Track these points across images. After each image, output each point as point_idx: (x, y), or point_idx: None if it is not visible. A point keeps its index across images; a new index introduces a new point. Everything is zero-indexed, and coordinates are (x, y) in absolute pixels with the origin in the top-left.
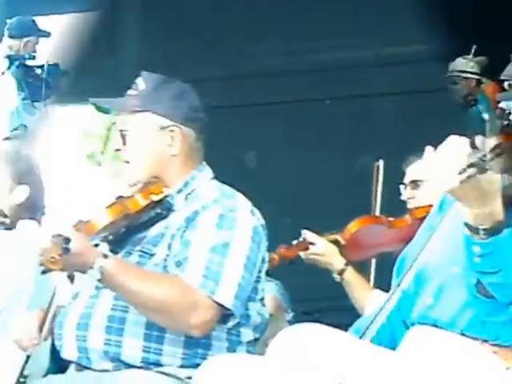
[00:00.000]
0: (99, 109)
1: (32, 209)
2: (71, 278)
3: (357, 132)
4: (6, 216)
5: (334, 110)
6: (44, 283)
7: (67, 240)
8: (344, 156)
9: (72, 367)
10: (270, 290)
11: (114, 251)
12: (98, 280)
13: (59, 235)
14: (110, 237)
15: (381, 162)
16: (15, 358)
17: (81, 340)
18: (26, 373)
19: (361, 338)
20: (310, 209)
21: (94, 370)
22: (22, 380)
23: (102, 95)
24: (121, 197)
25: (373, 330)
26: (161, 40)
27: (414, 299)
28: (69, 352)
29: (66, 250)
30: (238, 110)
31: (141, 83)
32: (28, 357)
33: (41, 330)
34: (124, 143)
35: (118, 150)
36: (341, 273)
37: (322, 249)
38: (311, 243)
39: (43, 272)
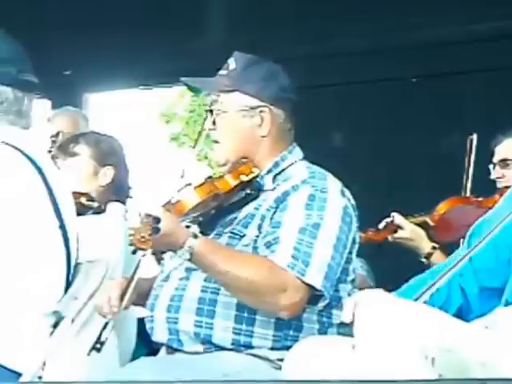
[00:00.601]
0: (190, 88)
1: (118, 190)
2: (158, 258)
3: (446, 111)
4: (92, 199)
5: (422, 89)
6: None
7: (157, 220)
8: (433, 136)
9: (163, 349)
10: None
11: (205, 233)
12: (188, 260)
13: (149, 215)
14: (200, 218)
15: (474, 136)
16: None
17: (172, 322)
18: (102, 339)
19: (417, 299)
20: (399, 189)
21: (185, 353)
22: (97, 346)
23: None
24: (210, 177)
25: (428, 293)
26: (249, 20)
27: (480, 269)
28: (160, 334)
29: (156, 230)
30: (326, 89)
31: (232, 63)
32: (106, 323)
33: (122, 298)
34: (214, 123)
35: (209, 129)
36: (428, 256)
37: (409, 233)
38: (399, 227)
39: (133, 252)
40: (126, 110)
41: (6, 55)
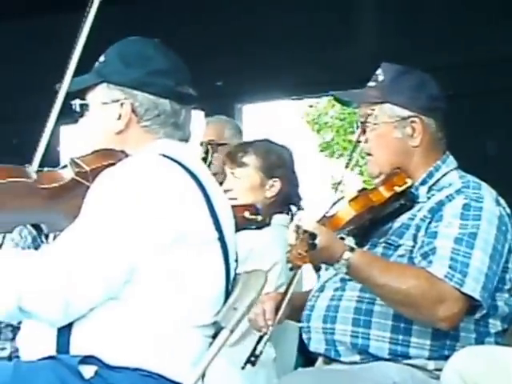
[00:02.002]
0: (340, 101)
1: (283, 202)
2: (317, 269)
3: None
4: (257, 212)
5: None
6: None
7: (314, 236)
8: None
9: (320, 360)
10: None
11: (360, 244)
12: (345, 273)
13: (305, 231)
14: (355, 230)
15: None
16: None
17: (328, 333)
18: (257, 352)
19: None
20: None
21: (342, 363)
22: (252, 359)
23: (341, 87)
24: (364, 189)
25: None
26: (398, 30)
27: None
28: (316, 345)
29: (313, 246)
30: (477, 96)
31: (380, 74)
32: (261, 337)
33: (277, 312)
34: (365, 135)
35: (359, 141)
36: None
37: None
38: None
39: (291, 269)
40: (277, 120)
41: (165, 67)
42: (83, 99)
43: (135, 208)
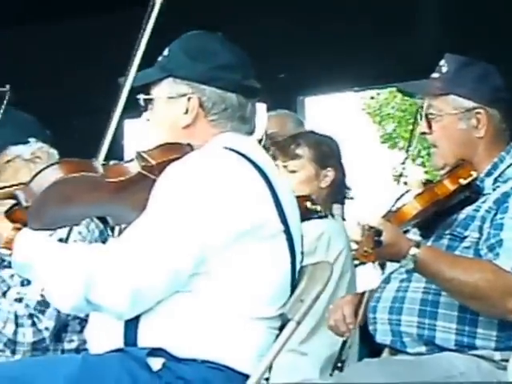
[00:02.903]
0: (403, 93)
1: (337, 192)
2: (382, 266)
3: None
4: (315, 202)
5: None
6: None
7: (379, 232)
8: None
9: (386, 351)
10: None
11: (425, 236)
12: (412, 269)
13: (371, 228)
14: (420, 222)
15: None
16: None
17: (394, 324)
18: (343, 358)
19: None
20: None
21: (408, 354)
22: (339, 365)
23: (404, 78)
24: (429, 182)
25: None
26: (461, 21)
27: None
28: (382, 336)
29: (379, 243)
30: None
31: (444, 66)
32: (344, 342)
33: (356, 314)
34: (429, 127)
35: (423, 133)
36: None
37: None
38: None
39: (356, 266)
40: (340, 112)
41: (231, 61)
42: (148, 93)
43: (202, 201)
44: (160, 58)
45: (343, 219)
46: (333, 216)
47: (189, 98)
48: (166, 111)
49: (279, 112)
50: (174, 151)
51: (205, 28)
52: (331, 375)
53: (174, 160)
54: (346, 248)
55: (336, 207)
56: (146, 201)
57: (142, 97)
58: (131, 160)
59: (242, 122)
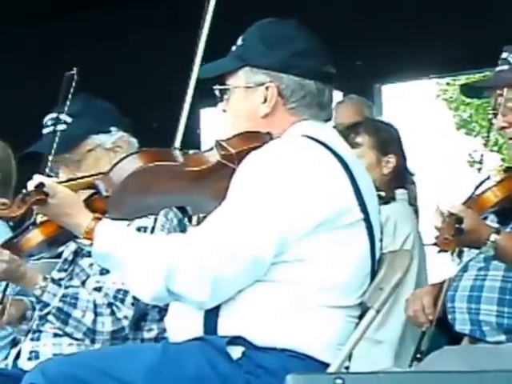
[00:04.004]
0: (467, 94)
1: (400, 177)
2: (460, 254)
3: None
4: (378, 189)
5: None
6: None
7: (460, 220)
8: None
9: (465, 339)
10: None
11: (502, 223)
12: (492, 256)
13: (452, 214)
14: (498, 209)
15: None
16: None
17: (473, 313)
18: (422, 348)
19: None
20: None
21: (488, 343)
22: (418, 356)
23: (480, 65)
24: (509, 168)
25: None
26: None
27: None
28: (461, 325)
29: (459, 231)
30: None
31: (509, 56)
32: (424, 333)
33: (435, 305)
34: (504, 117)
35: (503, 128)
36: None
37: None
38: None
39: (439, 251)
40: (416, 99)
41: (308, 48)
42: (223, 83)
43: (282, 190)
44: (234, 48)
45: (410, 204)
46: (395, 201)
47: (267, 87)
48: (244, 101)
49: (352, 97)
50: (254, 140)
51: (278, 15)
52: (410, 366)
53: (253, 149)
54: (413, 232)
55: (400, 192)
56: (226, 190)
57: (217, 87)
58: (210, 149)
59: (320, 109)
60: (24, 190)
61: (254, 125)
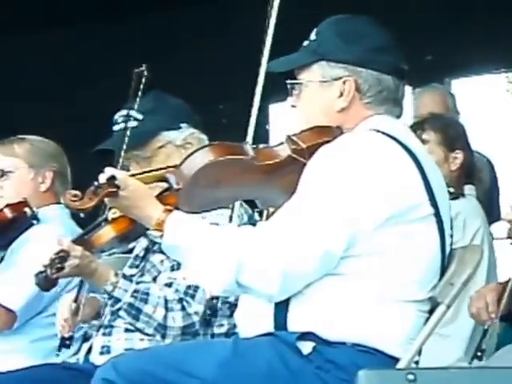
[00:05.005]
0: None
1: (468, 173)
2: None
3: None
4: (448, 185)
5: None
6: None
7: None
8: None
9: None
10: None
11: None
12: None
13: None
14: None
15: None
16: None
17: None
18: (483, 347)
19: None
20: None
21: None
22: (479, 354)
23: None
24: None
25: None
26: None
27: None
28: None
29: None
30: None
31: None
32: (485, 330)
33: (499, 304)
34: None
35: None
36: None
37: None
38: None
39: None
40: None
41: (383, 43)
42: (293, 78)
43: (353, 184)
44: (306, 43)
45: (478, 200)
46: (464, 197)
47: (344, 81)
48: (319, 95)
49: (437, 87)
50: (325, 134)
51: (346, 11)
52: (470, 363)
53: (324, 143)
54: (482, 227)
55: (468, 188)
56: (296, 183)
57: (291, 82)
58: (281, 143)
59: (394, 105)
60: (96, 183)
61: (329, 119)
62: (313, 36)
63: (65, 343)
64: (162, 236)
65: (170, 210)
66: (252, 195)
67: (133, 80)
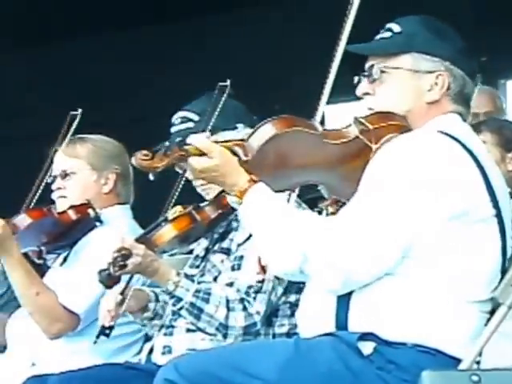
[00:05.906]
0: None
1: None
2: None
3: None
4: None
5: None
6: None
7: None
8: None
9: None
10: None
11: None
12: None
13: None
14: None
15: None
16: None
17: None
18: None
19: None
20: None
21: None
22: None
23: None
24: None
25: None
26: None
27: None
28: None
29: None
30: None
31: None
32: None
33: None
34: None
35: None
36: None
37: None
38: None
39: None
40: None
41: (465, 47)
42: (362, 71)
43: (416, 184)
44: (388, 34)
45: None
46: None
47: (438, 76)
48: (407, 84)
49: (485, 88)
50: (391, 119)
51: (400, 11)
52: None
53: (390, 127)
54: None
55: None
56: (360, 170)
57: (379, 66)
58: (349, 125)
59: (467, 108)
60: (166, 143)
61: (415, 109)
62: (396, 28)
63: (104, 332)
64: (240, 203)
65: (255, 181)
66: (319, 178)
67: (215, 94)
